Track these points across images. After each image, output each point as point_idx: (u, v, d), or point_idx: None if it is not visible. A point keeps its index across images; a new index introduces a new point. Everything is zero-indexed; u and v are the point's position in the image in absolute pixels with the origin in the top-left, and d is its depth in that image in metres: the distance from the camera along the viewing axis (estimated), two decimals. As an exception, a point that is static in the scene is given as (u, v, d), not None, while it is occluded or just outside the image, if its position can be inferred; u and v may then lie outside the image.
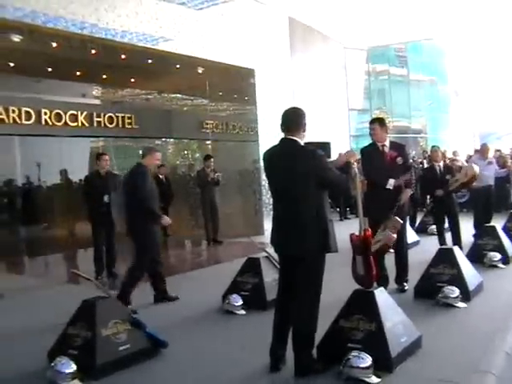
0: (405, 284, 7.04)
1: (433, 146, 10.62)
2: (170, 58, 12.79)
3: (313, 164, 4.32)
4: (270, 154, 4.65)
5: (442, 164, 9.65)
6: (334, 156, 16.96)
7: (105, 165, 8.92)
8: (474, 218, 10.70)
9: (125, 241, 7.54)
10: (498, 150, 18.17)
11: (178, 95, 14.51)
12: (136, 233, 6.81)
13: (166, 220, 7.06)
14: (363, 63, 26.29)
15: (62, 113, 11.42)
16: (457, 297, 6.16)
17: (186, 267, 10.07)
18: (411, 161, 13.02)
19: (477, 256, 8.31)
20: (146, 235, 6.77)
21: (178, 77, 13.91)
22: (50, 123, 11.47)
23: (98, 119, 11.98)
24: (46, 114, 11.37)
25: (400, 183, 6.73)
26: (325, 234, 4.35)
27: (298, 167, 4.33)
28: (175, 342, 5.17)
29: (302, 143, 4.47)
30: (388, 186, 6.65)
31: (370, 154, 6.92)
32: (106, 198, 8.81)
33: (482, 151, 11.07)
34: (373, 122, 7.08)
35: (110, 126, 12.40)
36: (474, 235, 10.12)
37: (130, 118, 12.64)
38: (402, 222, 6.57)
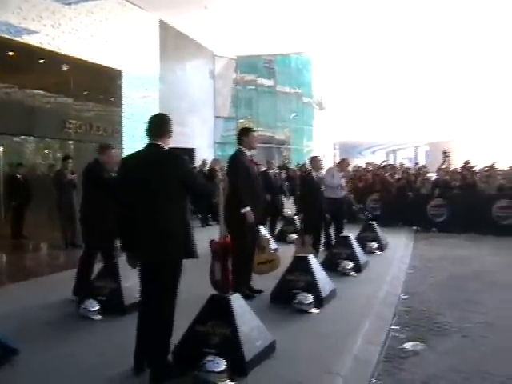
0: None
1: (315, 156, 10.96)
2: (34, 51, 12.30)
3: (177, 169, 4.35)
4: (132, 159, 4.63)
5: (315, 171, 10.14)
6: (197, 163, 17.09)
7: None
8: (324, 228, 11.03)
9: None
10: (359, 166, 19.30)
11: (41, 92, 13.92)
12: None
13: None
14: (232, 72, 26.64)
15: None
16: (310, 303, 6.40)
17: (42, 271, 9.67)
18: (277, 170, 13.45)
19: (331, 264, 8.67)
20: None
21: (41, 72, 13.39)
22: None
23: (-51, 113, 11.24)
24: None
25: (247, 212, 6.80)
26: (187, 240, 4.38)
27: (162, 172, 4.31)
28: (28, 349, 4.96)
29: (167, 148, 4.48)
30: (243, 211, 6.74)
31: (245, 163, 6.98)
32: None
33: (341, 165, 11.52)
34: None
35: (-37, 120, 11.69)
36: (324, 243, 10.62)
37: (-15, 113, 11.96)
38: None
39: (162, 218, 4.32)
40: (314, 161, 10.91)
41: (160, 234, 4.33)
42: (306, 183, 10.42)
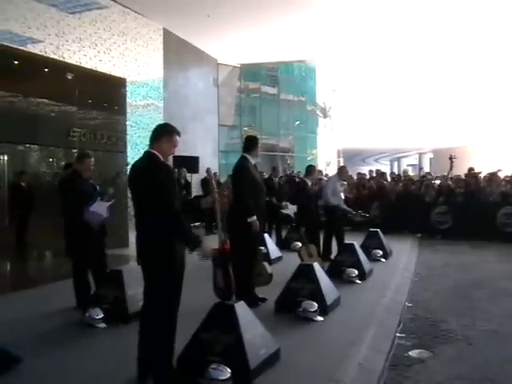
0: None
1: (311, 165, 11.01)
2: (39, 60, 12.34)
3: (156, 176, 4.29)
4: (131, 166, 4.70)
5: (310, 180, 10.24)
6: (202, 170, 17.09)
7: None
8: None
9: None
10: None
11: (45, 100, 13.93)
12: None
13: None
14: (236, 80, 26.68)
15: None
16: (315, 311, 6.37)
17: (46, 278, 9.68)
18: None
19: (336, 272, 8.65)
20: None
21: (45, 81, 13.39)
22: None
23: (-46, 121, 11.21)
24: None
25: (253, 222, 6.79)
26: (164, 250, 4.28)
27: (144, 179, 4.33)
28: (33, 357, 4.96)
29: (158, 155, 4.40)
30: (250, 220, 6.72)
31: (251, 171, 7.01)
32: None
33: (341, 173, 11.51)
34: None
35: (-33, 128, 11.66)
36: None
37: (-11, 121, 11.93)
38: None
39: (142, 223, 4.41)
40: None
41: (140, 239, 4.43)
42: (301, 192, 10.39)
